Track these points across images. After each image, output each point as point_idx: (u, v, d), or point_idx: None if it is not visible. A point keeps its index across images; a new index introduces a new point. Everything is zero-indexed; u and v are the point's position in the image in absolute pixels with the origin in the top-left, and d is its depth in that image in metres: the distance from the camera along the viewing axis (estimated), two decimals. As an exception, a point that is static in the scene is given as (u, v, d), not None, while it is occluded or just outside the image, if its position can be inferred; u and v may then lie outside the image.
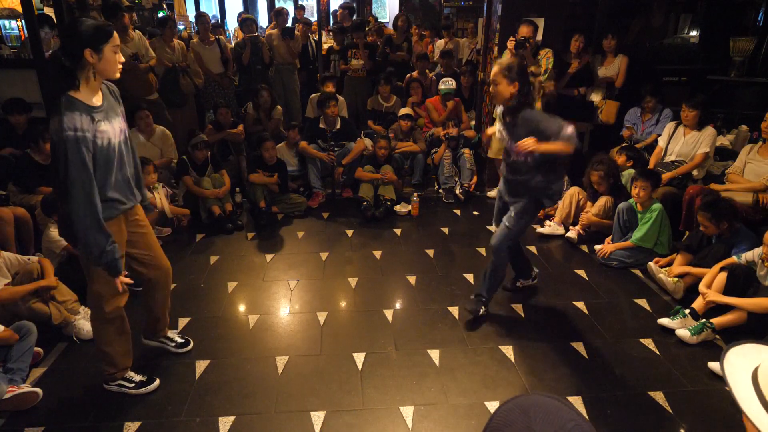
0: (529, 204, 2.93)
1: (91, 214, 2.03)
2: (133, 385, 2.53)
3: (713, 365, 2.67)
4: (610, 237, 3.94)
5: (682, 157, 4.15)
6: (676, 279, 3.35)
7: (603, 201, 4.09)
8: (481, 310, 3.11)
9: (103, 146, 2.08)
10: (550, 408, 0.76)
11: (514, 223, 2.94)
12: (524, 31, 4.45)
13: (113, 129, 2.14)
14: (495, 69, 2.73)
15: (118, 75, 2.15)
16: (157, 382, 2.57)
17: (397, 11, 10.06)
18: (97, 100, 2.11)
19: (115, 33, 2.09)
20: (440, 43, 7.38)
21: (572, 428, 0.73)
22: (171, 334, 2.86)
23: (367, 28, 6.93)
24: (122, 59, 2.17)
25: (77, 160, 1.97)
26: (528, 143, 2.58)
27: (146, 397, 2.47)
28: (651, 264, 3.54)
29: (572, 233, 4.14)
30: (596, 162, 4.10)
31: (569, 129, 2.54)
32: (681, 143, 4.15)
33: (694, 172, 4.14)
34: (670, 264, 3.53)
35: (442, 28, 7.79)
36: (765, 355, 0.92)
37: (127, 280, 2.28)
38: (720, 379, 2.56)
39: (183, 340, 2.86)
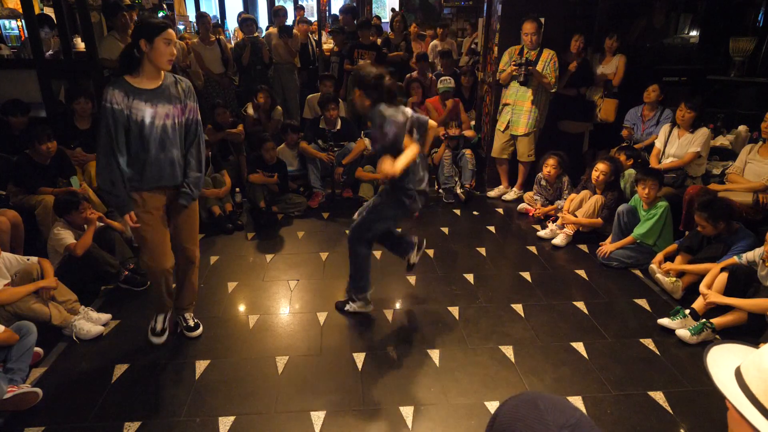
0: (385, 199, 2.90)
1: (104, 167, 2.38)
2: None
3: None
4: (610, 238, 3.93)
5: (677, 159, 4.15)
6: (674, 278, 3.35)
7: (594, 200, 4.08)
8: (347, 306, 3.15)
9: (136, 120, 2.37)
10: (555, 400, 0.78)
11: (365, 214, 2.93)
12: (528, 28, 4.43)
13: (155, 111, 2.41)
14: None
15: (168, 67, 2.43)
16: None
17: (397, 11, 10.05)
18: (149, 85, 2.41)
19: (169, 29, 2.37)
20: (434, 44, 7.35)
21: (580, 416, 0.76)
22: (187, 315, 2.96)
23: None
24: (174, 53, 2.42)
25: (103, 125, 2.34)
26: (387, 167, 2.55)
27: (146, 397, 2.47)
28: (653, 266, 3.54)
29: (559, 239, 4.11)
30: (605, 157, 4.17)
31: (391, 131, 2.57)
32: (676, 146, 4.14)
33: (691, 172, 4.14)
34: (671, 261, 3.51)
35: (438, 27, 7.76)
36: (744, 355, 0.92)
37: (133, 223, 2.49)
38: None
39: (193, 324, 2.95)
